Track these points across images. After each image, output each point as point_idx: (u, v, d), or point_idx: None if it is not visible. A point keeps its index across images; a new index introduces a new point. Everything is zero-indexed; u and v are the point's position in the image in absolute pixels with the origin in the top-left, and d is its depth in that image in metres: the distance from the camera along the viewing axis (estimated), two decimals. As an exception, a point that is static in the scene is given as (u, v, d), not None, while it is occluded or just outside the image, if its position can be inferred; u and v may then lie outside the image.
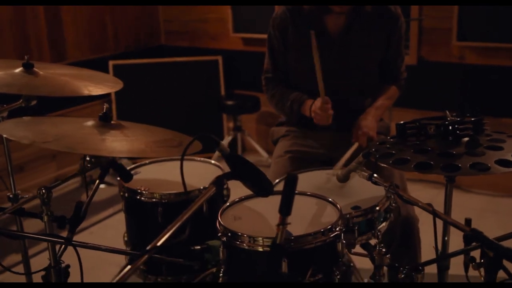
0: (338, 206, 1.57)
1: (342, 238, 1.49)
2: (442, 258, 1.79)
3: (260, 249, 1.43)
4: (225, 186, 2.13)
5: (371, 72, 2.34)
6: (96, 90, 1.95)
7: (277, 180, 1.99)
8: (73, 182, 3.47)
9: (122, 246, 2.17)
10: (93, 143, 1.39)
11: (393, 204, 1.86)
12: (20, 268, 2.38)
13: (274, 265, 1.15)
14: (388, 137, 1.88)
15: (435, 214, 1.35)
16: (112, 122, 1.59)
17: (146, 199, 1.99)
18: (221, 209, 1.59)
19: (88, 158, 1.56)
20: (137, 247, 2.08)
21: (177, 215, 2.05)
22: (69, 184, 4.11)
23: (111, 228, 3.62)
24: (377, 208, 1.78)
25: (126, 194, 2.04)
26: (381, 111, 2.37)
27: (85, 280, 2.96)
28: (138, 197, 2.00)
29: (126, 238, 2.18)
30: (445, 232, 1.81)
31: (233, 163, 1.24)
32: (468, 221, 1.76)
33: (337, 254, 1.50)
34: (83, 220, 1.78)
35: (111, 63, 4.57)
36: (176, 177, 2.26)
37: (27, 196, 1.62)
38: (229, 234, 1.48)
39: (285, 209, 1.06)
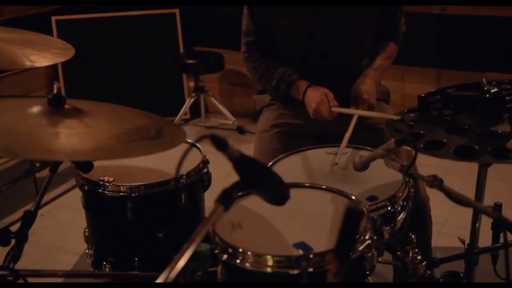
0: (364, 207, 1.25)
1: (373, 247, 1.18)
2: (470, 254, 1.53)
3: (269, 270, 1.10)
4: (204, 171, 1.79)
5: (369, 29, 2.00)
6: (41, 60, 1.54)
7: (269, 164, 1.65)
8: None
9: (79, 233, 1.80)
10: (43, 141, 1.01)
11: (412, 190, 1.57)
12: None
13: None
14: (405, 111, 1.57)
15: (502, 224, 1.04)
16: (66, 106, 1.20)
17: (111, 193, 1.63)
18: (214, 214, 1.25)
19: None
20: (102, 250, 1.73)
21: (151, 211, 1.71)
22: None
23: (67, 209, 3.22)
24: (397, 197, 1.48)
25: (86, 187, 1.66)
26: (380, 72, 2.04)
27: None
28: (100, 190, 1.64)
29: (87, 234, 1.81)
30: (476, 220, 1.55)
31: (244, 169, 0.90)
32: (498, 206, 1.50)
33: (364, 268, 1.19)
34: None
35: (54, 18, 4.04)
36: (148, 163, 1.92)
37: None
38: (230, 250, 1.14)
39: (344, 252, 0.73)
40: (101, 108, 1.30)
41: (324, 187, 1.36)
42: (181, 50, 4.29)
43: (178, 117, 4.16)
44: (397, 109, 4.06)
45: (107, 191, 1.63)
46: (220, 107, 4.22)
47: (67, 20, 4.08)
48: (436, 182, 1.12)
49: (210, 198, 1.94)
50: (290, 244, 1.16)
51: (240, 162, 0.90)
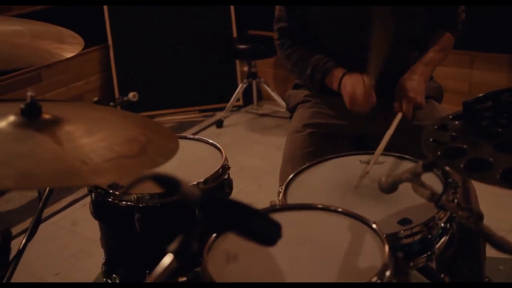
0: (384, 241, 1.04)
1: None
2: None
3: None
4: (225, 177, 1.62)
5: (419, 16, 1.75)
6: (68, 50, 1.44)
7: (291, 176, 1.45)
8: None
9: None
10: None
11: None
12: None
13: None
14: (450, 117, 1.32)
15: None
16: (44, 116, 1.06)
17: (118, 201, 1.50)
18: (208, 243, 1.08)
19: None
20: (112, 260, 1.61)
21: (161, 223, 1.56)
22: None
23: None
24: (437, 221, 1.25)
25: (93, 194, 1.54)
26: (431, 67, 1.79)
27: (72, 265, 2.56)
28: (109, 199, 1.51)
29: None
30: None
31: (211, 212, 0.72)
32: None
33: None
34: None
35: (106, 7, 3.96)
36: (165, 167, 1.76)
37: None
38: (218, 289, 0.97)
39: None
40: (88, 116, 1.15)
41: (340, 210, 1.15)
42: (234, 34, 4.12)
43: (229, 104, 4.01)
44: (465, 98, 3.70)
45: (116, 200, 1.50)
46: (273, 94, 4.03)
47: (119, 7, 4.00)
48: (472, 219, 0.89)
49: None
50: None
51: (203, 203, 0.72)
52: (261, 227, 0.80)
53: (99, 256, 2.62)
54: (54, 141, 0.98)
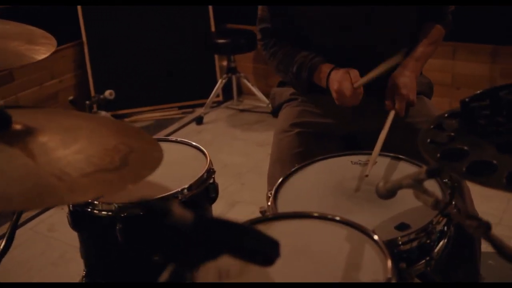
0: (387, 254, 0.98)
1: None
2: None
3: None
4: (210, 181, 1.55)
5: (409, 10, 1.69)
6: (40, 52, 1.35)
7: (280, 179, 1.38)
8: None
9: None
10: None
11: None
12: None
13: None
14: (445, 115, 1.27)
15: None
16: (15, 126, 0.97)
17: (98, 211, 1.41)
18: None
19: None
20: (93, 273, 1.53)
21: (144, 232, 1.49)
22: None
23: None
24: (435, 225, 1.20)
25: (71, 206, 1.45)
26: (422, 62, 1.74)
27: (50, 272, 2.46)
28: (87, 209, 1.42)
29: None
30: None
31: (203, 237, 0.65)
32: None
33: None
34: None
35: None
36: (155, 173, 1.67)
37: None
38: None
39: None
40: (63, 124, 1.06)
41: (337, 218, 1.09)
42: (213, 28, 4.03)
43: (209, 100, 3.92)
44: (448, 90, 3.67)
45: (95, 210, 1.42)
46: (253, 88, 3.96)
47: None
48: (480, 229, 0.83)
49: (218, 210, 1.68)
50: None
51: (197, 229, 0.65)
52: (257, 247, 0.73)
53: (79, 263, 2.53)
54: (27, 154, 0.90)
